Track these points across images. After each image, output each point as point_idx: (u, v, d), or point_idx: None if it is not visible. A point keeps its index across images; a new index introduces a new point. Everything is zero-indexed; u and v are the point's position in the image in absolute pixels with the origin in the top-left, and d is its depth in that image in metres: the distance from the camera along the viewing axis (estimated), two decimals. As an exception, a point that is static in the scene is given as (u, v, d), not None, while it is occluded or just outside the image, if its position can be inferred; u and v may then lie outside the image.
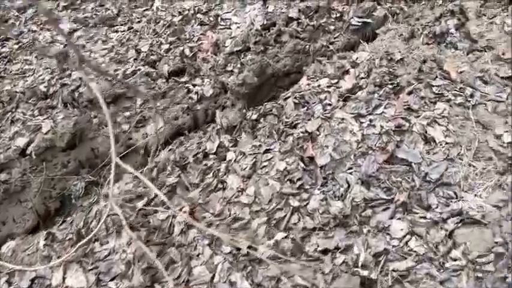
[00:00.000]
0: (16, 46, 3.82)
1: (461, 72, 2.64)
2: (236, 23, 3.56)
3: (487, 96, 2.47)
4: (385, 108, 2.52)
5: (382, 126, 2.39)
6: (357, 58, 3.00)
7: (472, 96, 2.48)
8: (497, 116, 2.36)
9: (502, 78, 2.54)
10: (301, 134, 2.45)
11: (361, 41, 3.22)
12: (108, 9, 4.17)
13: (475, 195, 2.04)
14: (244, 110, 2.80)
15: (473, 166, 2.15)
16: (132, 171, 1.82)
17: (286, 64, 3.29)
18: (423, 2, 3.59)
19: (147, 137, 2.92)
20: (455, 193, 2.06)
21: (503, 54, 2.64)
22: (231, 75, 3.17)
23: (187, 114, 3.03)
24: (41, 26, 4.12)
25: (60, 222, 2.57)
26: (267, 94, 3.32)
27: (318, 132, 2.45)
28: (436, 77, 2.63)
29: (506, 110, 2.37)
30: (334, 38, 3.42)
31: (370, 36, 3.44)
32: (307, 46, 3.30)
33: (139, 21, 3.88)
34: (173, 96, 3.12)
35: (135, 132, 2.94)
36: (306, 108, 2.75)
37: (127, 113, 2.99)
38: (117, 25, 3.93)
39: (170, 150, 2.65)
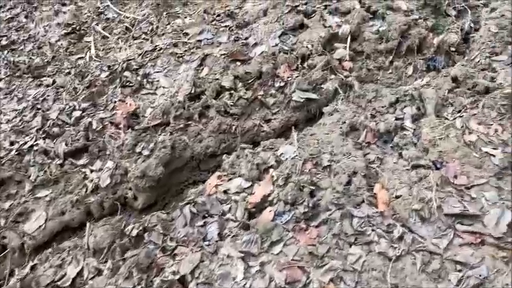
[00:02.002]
0: None
1: (396, 197, 2.01)
2: (163, 86, 3.04)
3: (421, 243, 1.84)
4: (285, 245, 1.94)
5: (271, 278, 1.81)
6: (282, 154, 2.42)
7: (400, 239, 1.87)
8: (426, 278, 1.74)
9: (447, 215, 1.90)
10: (170, 277, 1.90)
11: (294, 128, 2.61)
12: (44, 54, 3.73)
13: None
14: (123, 222, 2.27)
15: None
16: None
17: (209, 145, 2.74)
18: (390, 71, 2.94)
19: (23, 236, 2.45)
20: None
21: (454, 177, 1.99)
22: (138, 159, 2.65)
23: (77, 208, 2.54)
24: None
25: None
26: (185, 180, 2.79)
27: (190, 278, 1.90)
28: (363, 201, 2.03)
29: (440, 270, 1.74)
30: (273, 114, 2.84)
31: (317, 114, 2.83)
32: (234, 126, 2.72)
33: (68, 73, 3.42)
34: (66, 184, 2.63)
35: (12, 230, 2.48)
36: (203, 222, 2.21)
37: (7, 203, 2.53)
38: (44, 76, 3.50)
39: (32, 268, 2.17)
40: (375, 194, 2.03)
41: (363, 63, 2.96)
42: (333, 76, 2.89)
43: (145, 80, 3.09)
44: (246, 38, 3.23)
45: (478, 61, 2.61)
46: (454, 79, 2.50)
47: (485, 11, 3.00)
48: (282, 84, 2.92)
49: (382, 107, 2.54)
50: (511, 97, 2.21)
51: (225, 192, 2.30)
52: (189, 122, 2.81)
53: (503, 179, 1.95)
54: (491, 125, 2.14)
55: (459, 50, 2.93)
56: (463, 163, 2.03)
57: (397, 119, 2.42)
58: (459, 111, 2.31)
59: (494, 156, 2.02)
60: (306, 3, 3.37)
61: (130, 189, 2.61)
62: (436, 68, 2.91)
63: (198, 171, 2.79)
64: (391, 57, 2.94)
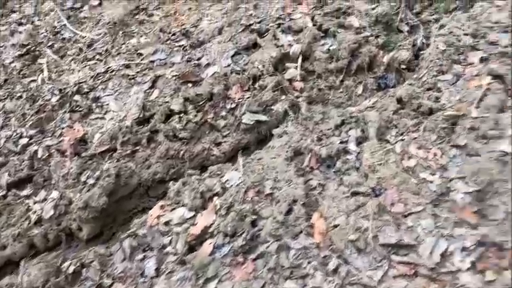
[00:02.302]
0: None
1: (334, 226, 1.98)
2: (113, 110, 2.97)
3: (356, 275, 1.81)
4: (220, 281, 1.90)
5: (202, 319, 1.76)
6: (227, 180, 2.37)
7: (335, 271, 1.84)
8: (359, 314, 1.70)
9: (383, 245, 1.87)
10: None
11: (240, 153, 2.57)
12: (-3, 76, 3.64)
13: None
14: (60, 258, 2.20)
15: None
16: None
17: (157, 172, 2.69)
18: (340, 90, 2.92)
19: (-39, 274, 2.36)
20: None
21: (392, 205, 1.96)
22: (83, 188, 2.58)
23: (19, 241, 2.46)
24: None
25: None
26: (134, 207, 2.72)
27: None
28: (301, 232, 1.99)
29: (372, 304, 1.71)
30: (223, 137, 2.79)
31: (268, 136, 2.79)
32: (182, 151, 2.67)
33: (19, 97, 3.34)
34: (9, 216, 2.55)
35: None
36: (143, 256, 2.15)
37: None
38: (-5, 100, 3.39)
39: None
40: (312, 223, 1.99)
41: (314, 83, 2.93)
42: (283, 97, 2.85)
43: (94, 104, 3.03)
44: (199, 59, 3.19)
45: (425, 80, 2.60)
46: (399, 100, 2.48)
47: (435, 27, 3.00)
48: (233, 105, 2.88)
49: (329, 129, 2.52)
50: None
51: (166, 223, 2.24)
52: (137, 148, 2.75)
53: (440, 206, 1.93)
54: (431, 149, 2.12)
55: (410, 67, 2.92)
56: (401, 190, 2.01)
57: (341, 142, 2.39)
58: (402, 134, 2.29)
59: (431, 182, 2.00)
60: (260, 22, 3.34)
61: (74, 220, 2.53)
62: (387, 86, 2.89)
63: (147, 198, 2.73)
64: (341, 76, 2.92)
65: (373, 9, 3.20)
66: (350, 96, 2.88)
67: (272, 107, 2.81)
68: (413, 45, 3.09)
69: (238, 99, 2.89)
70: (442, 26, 2.95)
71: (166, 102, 2.92)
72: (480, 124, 2.14)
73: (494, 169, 1.97)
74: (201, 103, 2.91)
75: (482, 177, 1.95)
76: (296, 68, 2.97)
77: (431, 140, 2.16)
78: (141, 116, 2.87)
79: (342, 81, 2.93)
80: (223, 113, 2.86)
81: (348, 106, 2.79)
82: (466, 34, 2.76)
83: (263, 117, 2.76)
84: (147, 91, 3.03)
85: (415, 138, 2.19)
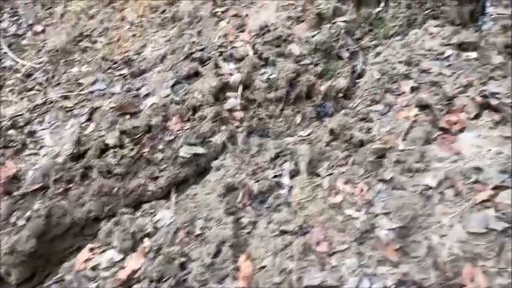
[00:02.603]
0: None
1: (261, 268, 1.95)
2: (48, 145, 2.87)
3: (279, 320, 1.77)
4: (141, 332, 1.82)
5: None
6: (159, 220, 2.31)
7: (259, 317, 1.78)
8: None
9: None
10: None
11: (173, 190, 2.52)
12: None
13: None
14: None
15: None
16: None
17: (91, 210, 2.60)
18: (280, 119, 2.91)
19: None
20: None
21: (317, 244, 1.95)
22: (11, 231, 2.47)
23: None
24: None
25: None
26: (69, 247, 2.62)
27: None
28: (227, 275, 1.95)
29: None
30: (160, 171, 2.73)
31: (207, 168, 2.75)
32: (116, 188, 2.60)
33: (-47, 131, 3.18)
34: None
35: None
36: (69, 304, 2.06)
37: None
38: None
39: None
40: (239, 266, 1.96)
41: (255, 112, 2.92)
42: (223, 127, 2.82)
43: (29, 139, 2.93)
44: (139, 89, 3.14)
45: (359, 110, 2.61)
46: (332, 131, 2.49)
47: (371, 55, 3.04)
48: (172, 137, 2.83)
49: (264, 162, 2.49)
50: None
51: (94, 268, 2.17)
52: (70, 185, 2.66)
53: (364, 244, 1.93)
54: (358, 183, 2.13)
55: (347, 95, 2.94)
56: (327, 228, 2.00)
57: (275, 176, 2.37)
58: (332, 167, 2.29)
59: (357, 218, 2.00)
60: (202, 49, 3.31)
61: (2, 264, 2.42)
62: (326, 115, 2.90)
63: (82, 237, 2.64)
64: (281, 105, 2.91)
65: (313, 36, 3.21)
66: (289, 126, 2.87)
67: (211, 139, 2.78)
68: (352, 72, 3.11)
69: (177, 130, 2.85)
70: (378, 54, 2.99)
71: (102, 136, 2.84)
72: (406, 157, 2.16)
73: (418, 203, 1.99)
74: (138, 136, 2.85)
75: (406, 212, 1.97)
76: (236, 97, 2.95)
77: (358, 174, 2.17)
78: (75, 151, 2.78)
79: (281, 110, 2.92)
80: (161, 146, 2.81)
81: (287, 136, 2.78)
82: (400, 62, 2.80)
83: (200, 150, 2.72)
84: (84, 124, 2.94)
85: (343, 172, 2.20)
